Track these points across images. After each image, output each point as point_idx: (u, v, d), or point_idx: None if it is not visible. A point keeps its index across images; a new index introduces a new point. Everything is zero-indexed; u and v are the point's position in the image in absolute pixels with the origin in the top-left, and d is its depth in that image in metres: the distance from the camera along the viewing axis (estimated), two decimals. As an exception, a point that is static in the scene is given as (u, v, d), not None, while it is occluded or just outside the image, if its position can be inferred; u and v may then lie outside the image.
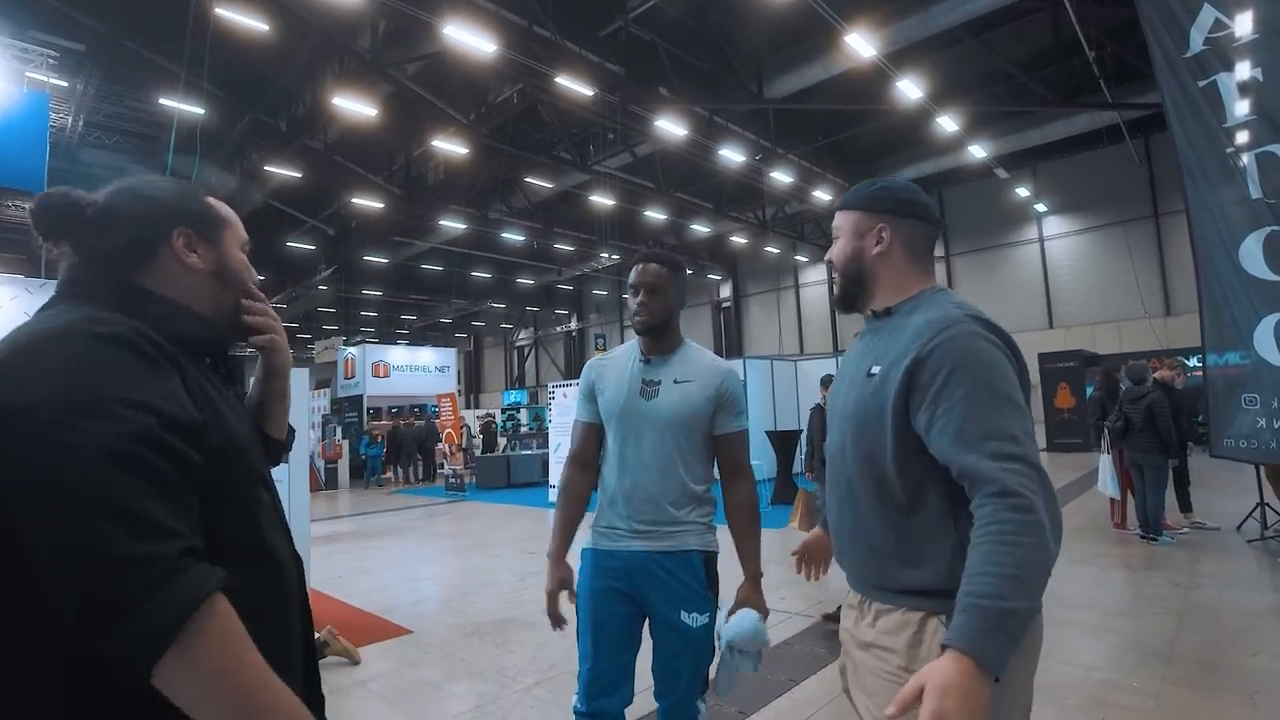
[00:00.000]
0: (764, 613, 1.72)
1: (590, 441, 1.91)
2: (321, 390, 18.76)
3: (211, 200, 0.99)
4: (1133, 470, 5.94)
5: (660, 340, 1.86)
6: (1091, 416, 6.75)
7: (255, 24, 10.08)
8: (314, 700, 1.04)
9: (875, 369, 1.18)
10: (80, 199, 0.88)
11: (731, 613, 1.71)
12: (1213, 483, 8.11)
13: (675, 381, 1.81)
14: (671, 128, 13.85)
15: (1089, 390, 12.93)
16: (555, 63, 11.89)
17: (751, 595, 1.74)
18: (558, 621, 1.83)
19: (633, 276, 1.87)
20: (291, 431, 1.24)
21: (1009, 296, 23.20)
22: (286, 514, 3.26)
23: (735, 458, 1.85)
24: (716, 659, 1.71)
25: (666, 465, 1.77)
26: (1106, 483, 6.07)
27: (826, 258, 1.35)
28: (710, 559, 1.81)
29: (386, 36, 12.30)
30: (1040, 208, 22.09)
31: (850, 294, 1.30)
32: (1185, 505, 6.28)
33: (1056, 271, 22.37)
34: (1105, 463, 6.10)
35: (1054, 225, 22.45)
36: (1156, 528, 5.70)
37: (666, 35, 13.50)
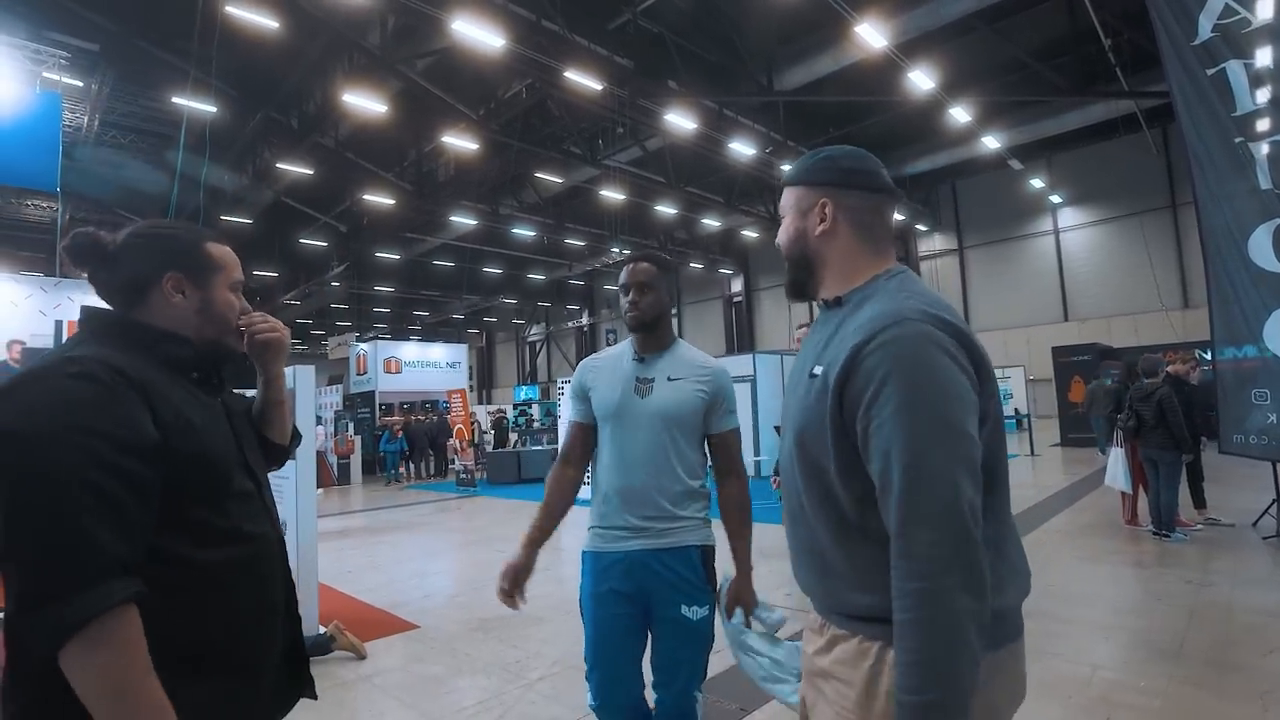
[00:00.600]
0: (750, 605, 1.76)
1: (580, 440, 1.93)
2: (334, 386, 18.92)
3: (210, 246, 1.13)
4: (1146, 466, 5.87)
5: (653, 338, 1.89)
6: (1105, 408, 6.67)
7: (266, 21, 10.14)
8: (297, 667, 1.18)
9: (818, 369, 1.03)
10: (103, 240, 1.07)
11: (728, 605, 1.76)
12: (1228, 478, 7.99)
13: (669, 379, 1.84)
14: (681, 121, 13.79)
15: (1104, 383, 12.79)
16: (564, 57, 11.86)
17: (743, 590, 1.78)
18: (505, 600, 1.82)
19: (624, 276, 1.90)
20: (297, 436, 1.38)
21: (1023, 289, 22.95)
22: (294, 510, 3.32)
23: (727, 456, 1.88)
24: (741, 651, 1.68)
25: (662, 462, 1.79)
26: (1118, 475, 5.99)
27: (775, 241, 1.19)
28: (708, 553, 1.84)
29: (396, 32, 12.33)
30: (1055, 199, 21.80)
31: (798, 280, 1.15)
32: (1200, 501, 6.19)
33: (1071, 264, 22.08)
34: (1117, 456, 6.03)
35: (1069, 217, 22.16)
36: (1170, 524, 5.63)
37: (675, 28, 13.43)
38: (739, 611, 1.75)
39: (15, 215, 20.74)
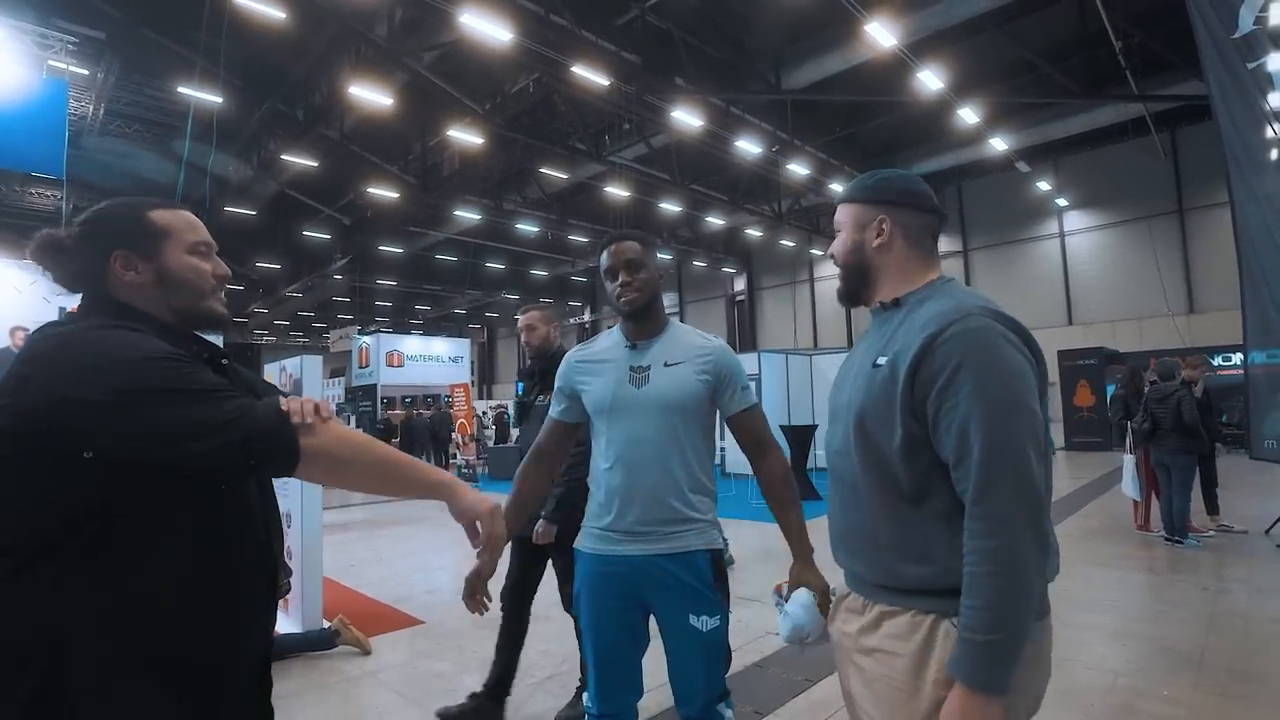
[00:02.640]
0: (820, 587, 1.53)
1: (556, 437, 1.82)
2: (336, 379, 18.89)
3: (152, 214, 1.08)
4: (1159, 471, 5.81)
5: (646, 323, 1.75)
6: (1114, 415, 6.59)
7: (273, 12, 10.07)
8: (266, 685, 1.12)
9: (881, 359, 1.14)
10: (59, 237, 1.04)
11: (787, 596, 1.53)
12: (1239, 485, 7.94)
13: (665, 365, 1.69)
14: (687, 118, 13.73)
15: (1109, 388, 12.73)
16: (571, 52, 11.80)
17: (806, 574, 1.57)
18: (472, 607, 1.58)
19: (607, 259, 1.73)
20: None
21: (1028, 292, 22.87)
22: (299, 503, 3.26)
23: (754, 434, 1.73)
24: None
25: (665, 456, 1.65)
26: (1129, 484, 5.94)
27: (828, 252, 1.34)
28: (716, 557, 1.69)
29: (403, 25, 12.27)
30: (1061, 202, 21.73)
31: (853, 288, 1.29)
32: (1212, 507, 6.14)
33: (1077, 267, 22.01)
34: (1129, 463, 5.97)
35: (1075, 220, 22.08)
36: (1182, 530, 5.58)
37: (683, 24, 13.36)
38: (807, 594, 1.48)
39: (19, 203, 20.69)
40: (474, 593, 1.57)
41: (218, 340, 1.21)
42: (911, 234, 1.23)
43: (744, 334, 28.63)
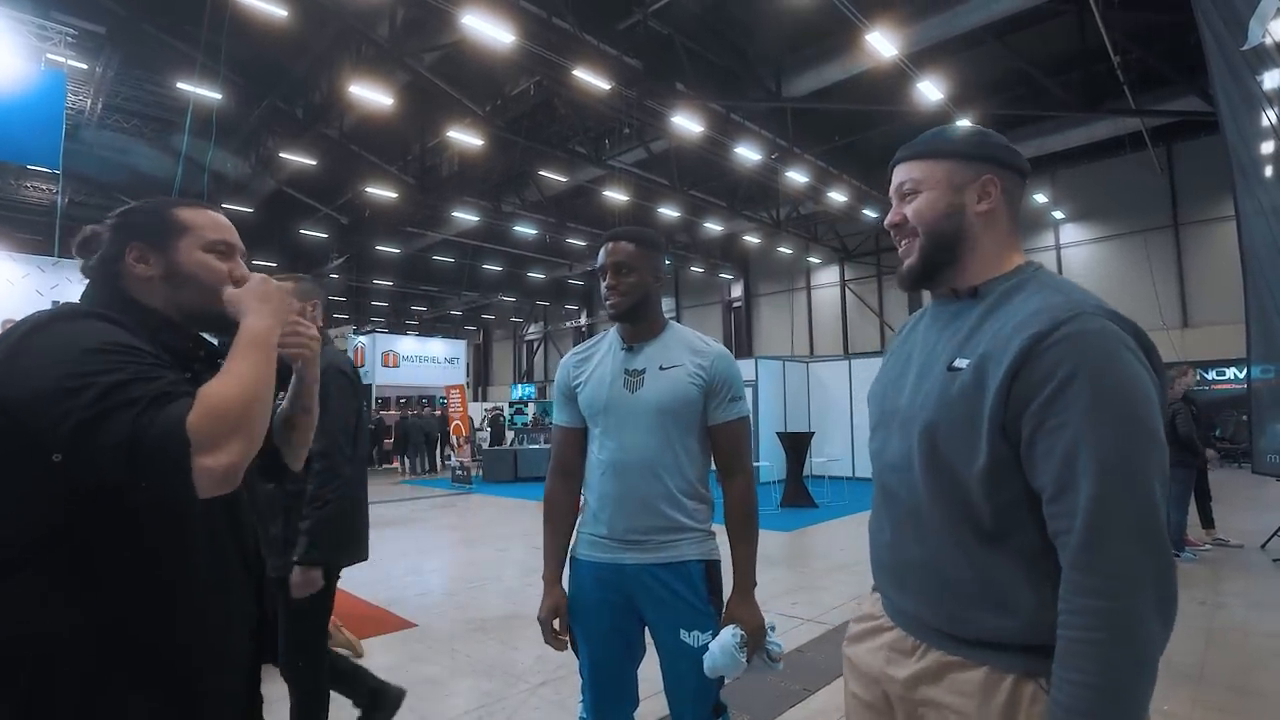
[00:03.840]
0: (753, 626, 1.55)
1: (572, 448, 1.76)
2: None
3: (177, 210, 1.09)
4: (1156, 483, 5.82)
5: (640, 325, 1.70)
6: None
7: (274, 9, 10.04)
8: (256, 700, 1.11)
9: (961, 361, 0.95)
10: (98, 231, 1.07)
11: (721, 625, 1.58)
12: (1234, 499, 7.95)
13: (661, 368, 1.65)
14: (688, 124, 13.75)
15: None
16: (573, 55, 11.80)
17: (739, 610, 1.58)
18: (558, 646, 1.71)
19: (600, 258, 1.71)
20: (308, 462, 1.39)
21: (1023, 304, 22.97)
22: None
23: (732, 451, 1.68)
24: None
25: (658, 463, 1.61)
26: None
27: (893, 219, 1.07)
28: (711, 568, 1.65)
29: (405, 25, 12.25)
30: (1058, 214, 21.85)
31: (936, 262, 1.03)
32: (1207, 521, 6.14)
33: (1073, 279, 22.01)
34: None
35: (1071, 233, 22.21)
36: (1178, 544, 5.57)
37: (685, 30, 13.39)
38: (731, 634, 1.51)
39: (14, 196, 20.56)
40: (550, 633, 1.70)
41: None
42: (1013, 203, 1.04)
43: (740, 340, 28.64)
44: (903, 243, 1.07)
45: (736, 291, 29.51)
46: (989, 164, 1.02)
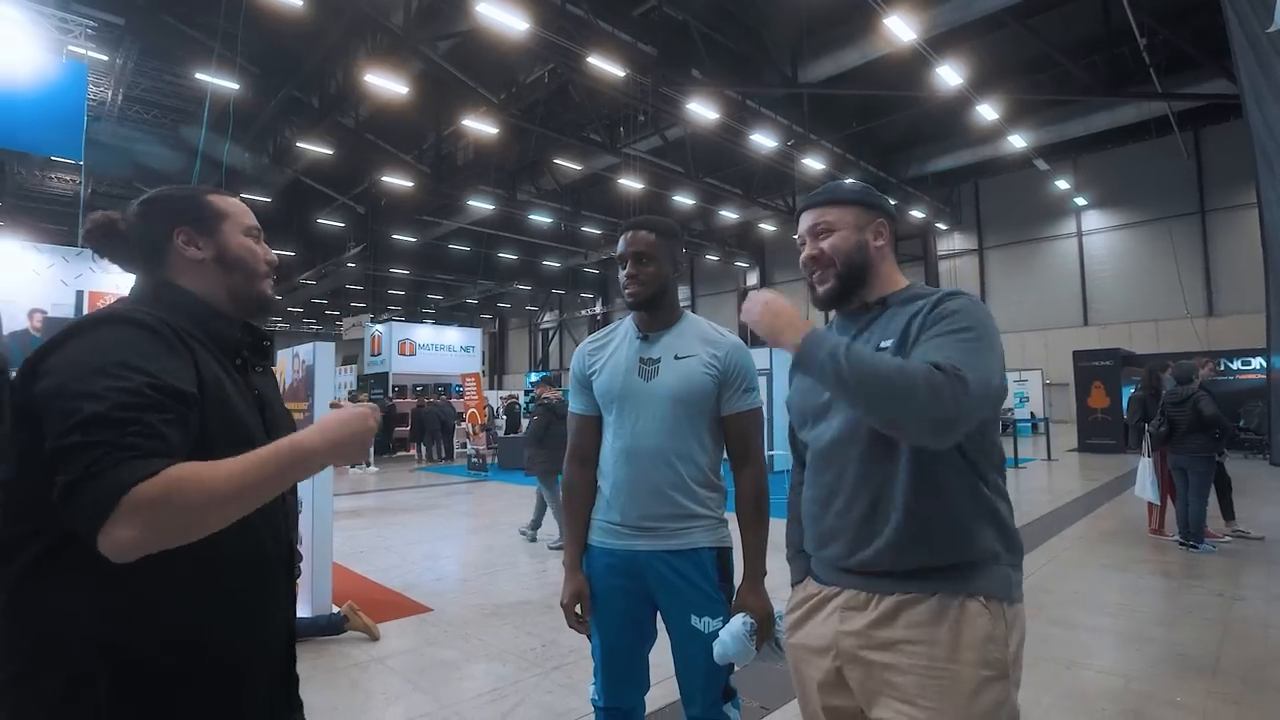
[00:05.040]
0: (762, 615, 1.57)
1: (589, 435, 1.77)
2: (348, 366, 18.99)
3: (210, 197, 1.13)
4: (1176, 475, 5.74)
5: (656, 314, 1.71)
6: (1132, 418, 6.49)
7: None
8: (291, 686, 1.13)
9: (886, 341, 1.19)
10: (114, 218, 1.08)
11: (732, 614, 1.60)
12: (1257, 491, 7.82)
13: (676, 357, 1.67)
14: (703, 111, 13.65)
15: (1125, 390, 12.57)
16: (587, 42, 11.74)
17: (749, 598, 1.60)
18: (582, 630, 1.73)
19: (620, 246, 1.71)
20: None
21: (1043, 292, 22.64)
22: (309, 489, 3.25)
23: (744, 442, 1.69)
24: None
25: (671, 451, 1.63)
26: (1146, 487, 5.86)
27: (811, 253, 1.32)
28: (723, 555, 1.67)
29: (419, 13, 12.24)
30: (1080, 201, 21.47)
31: (849, 288, 1.30)
32: (1228, 513, 6.05)
33: (1094, 268, 21.74)
34: (1145, 466, 5.89)
35: (1093, 220, 21.81)
36: (1198, 535, 5.51)
37: (700, 16, 13.27)
38: (741, 622, 1.53)
39: (40, 187, 20.91)
40: (574, 618, 1.73)
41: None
42: (892, 241, 1.35)
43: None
44: (817, 273, 1.31)
45: (752, 279, 29.36)
46: (879, 211, 1.32)
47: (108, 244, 1.08)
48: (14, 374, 0.92)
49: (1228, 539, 5.78)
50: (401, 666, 3.39)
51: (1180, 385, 5.73)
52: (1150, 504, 6.04)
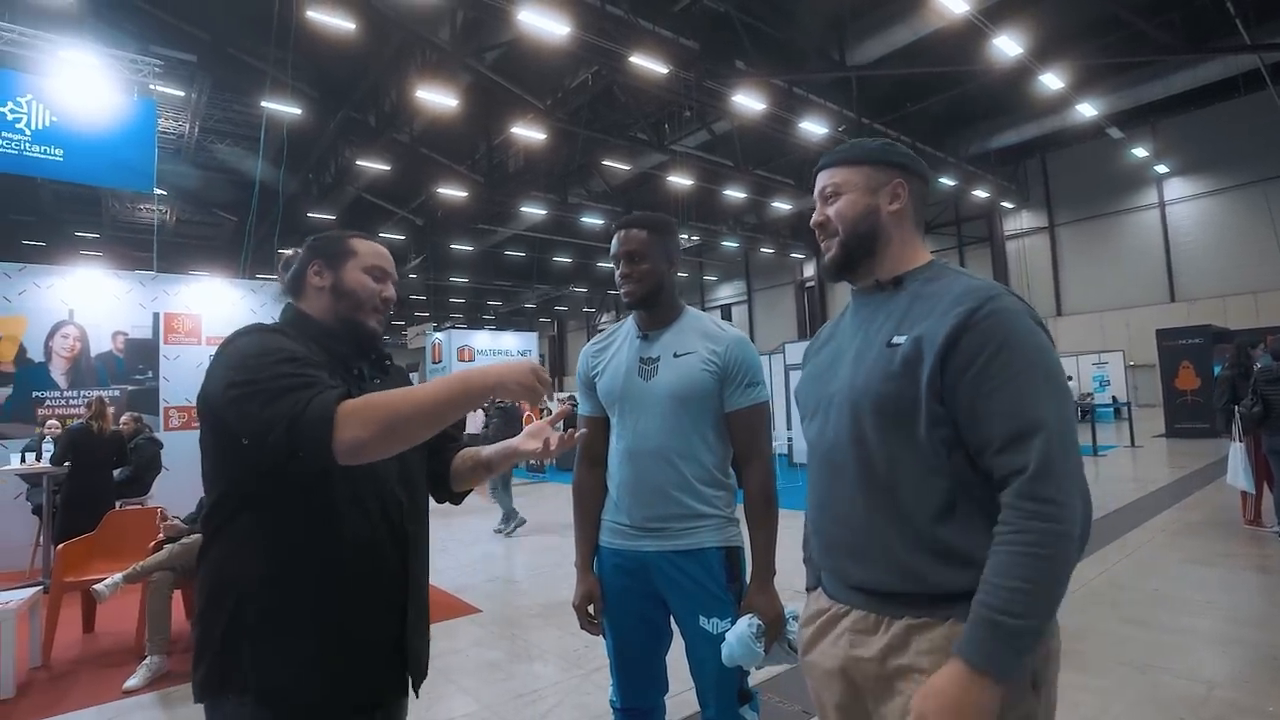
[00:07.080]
0: (771, 616, 1.52)
1: (596, 436, 1.76)
2: (412, 373, 19.64)
3: (350, 239, 1.31)
4: (1272, 459, 5.27)
5: (655, 312, 1.69)
6: (1220, 400, 5.98)
7: (343, 24, 10.50)
8: (403, 660, 1.26)
9: (899, 338, 1.04)
10: (287, 255, 1.32)
11: (741, 614, 1.55)
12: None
13: (675, 355, 1.64)
14: (749, 102, 13.44)
15: (1216, 370, 11.67)
16: (629, 41, 11.75)
17: (756, 599, 1.55)
18: (593, 631, 1.73)
19: (613, 246, 1.70)
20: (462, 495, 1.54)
21: (1122, 268, 21.31)
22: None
23: (747, 438, 1.64)
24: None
25: (674, 450, 1.60)
26: (1238, 475, 5.40)
27: (817, 219, 1.20)
28: (732, 554, 1.63)
29: (464, 27, 12.54)
30: (1161, 169, 20.09)
31: (855, 257, 1.17)
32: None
33: (1179, 239, 20.30)
34: (1236, 451, 5.43)
35: (1176, 188, 20.37)
36: (1293, 522, 5.04)
37: (742, 6, 13.07)
38: (747, 624, 1.49)
39: (130, 218, 22.53)
40: (585, 619, 1.72)
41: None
42: (918, 205, 1.18)
43: (815, 322, 27.93)
44: (824, 240, 1.19)
45: (809, 271, 28.77)
46: (898, 169, 1.16)
47: (282, 277, 1.31)
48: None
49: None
50: (447, 667, 3.45)
51: (1277, 361, 5.26)
52: (1244, 493, 5.57)
